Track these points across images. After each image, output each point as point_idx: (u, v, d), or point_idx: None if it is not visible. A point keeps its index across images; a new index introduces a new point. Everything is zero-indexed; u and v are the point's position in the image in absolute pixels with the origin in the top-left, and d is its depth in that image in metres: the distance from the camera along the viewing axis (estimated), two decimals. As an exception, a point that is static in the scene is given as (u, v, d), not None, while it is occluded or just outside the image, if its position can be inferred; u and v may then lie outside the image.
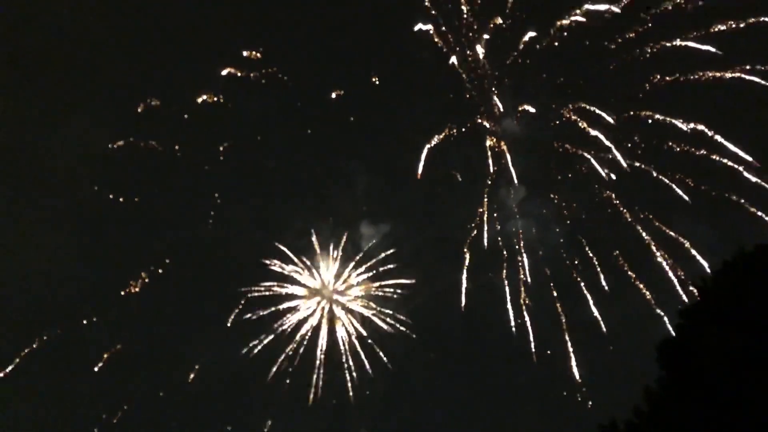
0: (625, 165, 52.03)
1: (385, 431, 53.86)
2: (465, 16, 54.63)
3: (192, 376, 55.20)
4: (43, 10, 54.40)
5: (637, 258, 52.13)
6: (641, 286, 51.65)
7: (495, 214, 55.15)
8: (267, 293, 55.33)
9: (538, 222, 55.79)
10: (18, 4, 54.15)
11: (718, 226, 48.78)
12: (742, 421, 9.98)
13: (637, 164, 51.30)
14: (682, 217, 49.99)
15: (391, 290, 54.97)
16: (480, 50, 55.01)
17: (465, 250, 55.10)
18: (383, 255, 55.10)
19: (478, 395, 55.96)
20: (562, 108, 54.76)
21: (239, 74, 53.77)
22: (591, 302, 52.40)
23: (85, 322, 55.29)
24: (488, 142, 54.54)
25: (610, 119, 52.38)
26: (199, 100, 56.29)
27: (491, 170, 54.10)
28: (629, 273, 52.51)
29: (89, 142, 54.72)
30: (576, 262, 53.22)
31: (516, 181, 53.34)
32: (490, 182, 54.59)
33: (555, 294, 53.86)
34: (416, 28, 53.52)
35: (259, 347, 54.21)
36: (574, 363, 52.31)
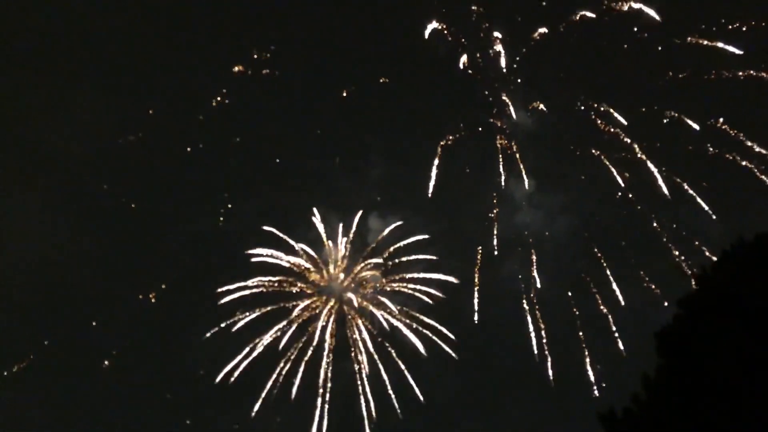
0: (638, 156, 51.83)
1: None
2: (474, 15, 54.74)
3: (201, 371, 53.87)
4: (59, 4, 54.94)
5: (647, 251, 51.94)
6: (649, 280, 51.44)
7: (506, 209, 55.20)
8: (273, 289, 52.91)
9: (548, 216, 55.76)
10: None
11: (728, 221, 48.51)
12: (739, 410, 10.01)
13: (650, 161, 51.14)
14: (692, 212, 49.72)
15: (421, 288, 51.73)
16: (494, 44, 55.08)
17: (477, 245, 55.07)
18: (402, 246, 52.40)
19: (482, 388, 55.23)
20: (576, 104, 54.56)
21: (249, 72, 54.13)
22: (601, 297, 52.28)
23: (94, 324, 55.27)
24: (499, 139, 54.54)
25: (622, 119, 52.09)
26: (213, 101, 57.04)
27: (502, 167, 54.13)
28: (638, 266, 52.37)
29: (97, 137, 55.12)
30: (589, 255, 53.07)
31: (526, 177, 53.34)
32: (502, 177, 54.54)
33: (567, 289, 53.70)
34: (429, 28, 53.73)
35: (263, 345, 52.08)
36: (588, 361, 52.02)
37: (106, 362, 53.91)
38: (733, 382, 10.03)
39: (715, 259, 11.32)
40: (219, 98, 54.49)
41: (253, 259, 52.45)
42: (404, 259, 53.76)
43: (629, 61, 53.73)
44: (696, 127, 50.78)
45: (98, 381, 54.25)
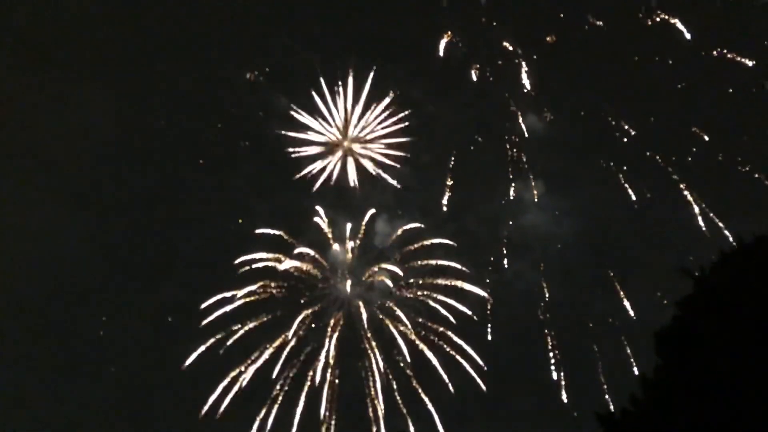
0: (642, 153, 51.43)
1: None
2: (484, 19, 54.88)
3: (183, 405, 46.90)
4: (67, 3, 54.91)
5: (654, 253, 51.70)
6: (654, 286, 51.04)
7: (515, 210, 54.89)
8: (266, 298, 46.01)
9: (557, 218, 55.68)
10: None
11: (728, 224, 48.25)
12: (737, 411, 10.03)
13: (657, 165, 51.01)
14: (697, 215, 49.45)
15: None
16: (506, 52, 55.15)
17: (489, 255, 54.20)
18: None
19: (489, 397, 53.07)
20: (584, 111, 54.55)
21: (261, 79, 53.19)
22: (607, 296, 51.80)
23: (104, 318, 51.82)
24: (510, 142, 54.43)
25: (629, 128, 52.03)
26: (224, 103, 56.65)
27: (510, 171, 54.03)
28: (647, 268, 51.97)
29: (97, 137, 54.42)
30: (595, 257, 52.74)
31: (536, 182, 53.15)
32: (511, 178, 54.37)
33: (575, 288, 53.23)
34: (442, 41, 53.72)
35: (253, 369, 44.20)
36: (599, 367, 50.98)
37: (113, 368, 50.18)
38: (732, 383, 10.05)
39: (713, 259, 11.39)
40: (229, 101, 53.91)
41: (242, 269, 46.29)
42: (422, 263, 48.66)
43: (640, 69, 53.77)
44: (706, 138, 50.75)
45: (104, 382, 51.69)
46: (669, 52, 51.96)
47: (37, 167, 54.26)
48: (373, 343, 47.10)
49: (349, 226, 48.79)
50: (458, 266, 47.64)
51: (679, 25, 51.53)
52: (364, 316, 47.13)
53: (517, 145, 53.80)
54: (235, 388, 45.09)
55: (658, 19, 51.40)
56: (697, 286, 10.87)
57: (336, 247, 49.30)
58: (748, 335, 10.13)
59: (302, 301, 48.04)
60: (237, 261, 45.76)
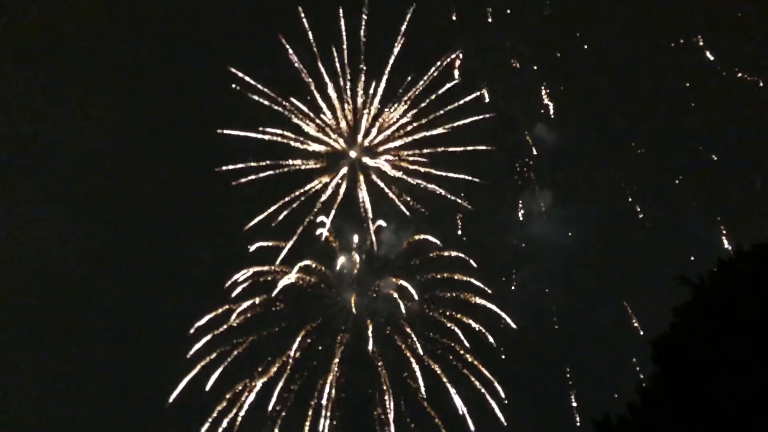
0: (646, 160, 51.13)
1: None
2: (494, 29, 55.17)
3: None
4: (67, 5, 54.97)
5: (656, 259, 51.43)
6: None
7: (523, 220, 54.54)
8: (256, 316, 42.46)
9: (564, 227, 55.46)
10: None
11: (727, 231, 48.07)
12: (733, 418, 9.98)
13: (659, 174, 50.97)
14: (698, 221, 49.34)
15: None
16: (516, 63, 55.28)
17: (500, 274, 53.33)
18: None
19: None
20: (594, 124, 54.64)
21: (259, 86, 52.31)
22: (610, 302, 51.19)
23: (103, 319, 50.45)
24: (518, 154, 54.40)
25: (636, 144, 52.11)
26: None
27: (520, 183, 53.95)
28: (651, 278, 51.57)
29: (96, 137, 53.93)
30: (601, 263, 52.39)
31: (543, 192, 53.04)
32: (519, 202, 54.38)
33: (580, 296, 52.74)
34: (455, 62, 53.78)
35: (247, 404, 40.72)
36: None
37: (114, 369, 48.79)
38: (728, 390, 10.00)
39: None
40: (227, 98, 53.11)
41: (238, 289, 43.25)
42: (431, 276, 46.10)
43: (655, 85, 54.02)
44: (714, 157, 50.84)
45: (101, 385, 50.24)
46: (687, 71, 52.11)
47: (36, 169, 53.98)
48: (379, 363, 44.47)
49: (356, 237, 47.26)
50: (473, 281, 45.85)
51: (701, 43, 51.55)
52: (370, 332, 44.70)
53: (527, 157, 53.99)
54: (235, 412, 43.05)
55: (681, 41, 51.47)
56: (695, 294, 10.86)
57: (342, 259, 47.68)
58: (745, 342, 10.09)
59: (304, 321, 45.75)
60: (239, 274, 43.93)
